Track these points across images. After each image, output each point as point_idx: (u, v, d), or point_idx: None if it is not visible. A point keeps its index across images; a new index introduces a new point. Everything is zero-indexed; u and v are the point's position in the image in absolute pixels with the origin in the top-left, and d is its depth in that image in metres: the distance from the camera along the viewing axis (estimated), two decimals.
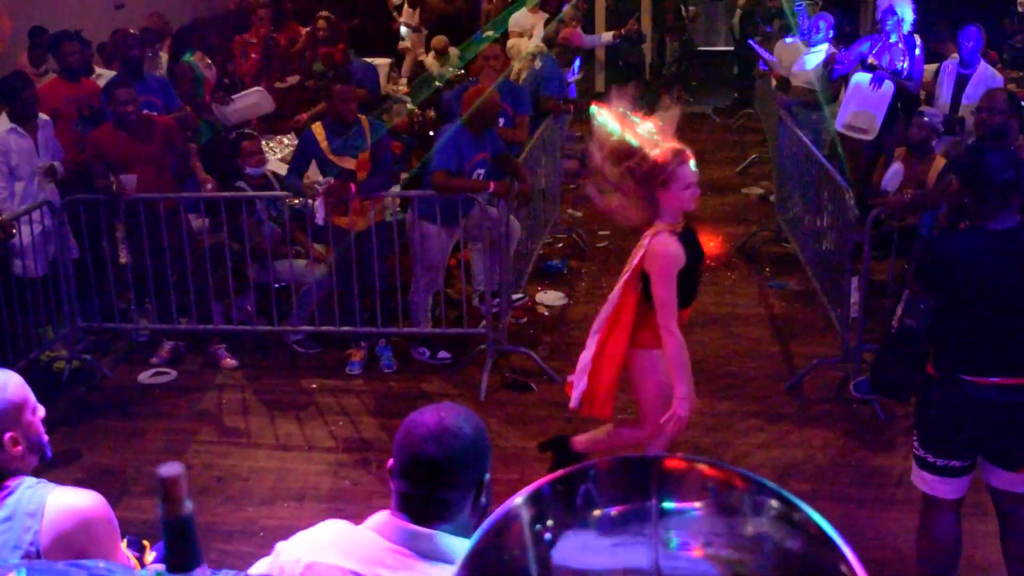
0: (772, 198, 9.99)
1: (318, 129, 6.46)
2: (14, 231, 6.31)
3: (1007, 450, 3.96)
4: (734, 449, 5.67)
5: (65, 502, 2.44)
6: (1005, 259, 3.81)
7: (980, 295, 3.85)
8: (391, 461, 2.18)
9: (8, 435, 2.47)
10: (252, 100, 8.76)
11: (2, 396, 2.49)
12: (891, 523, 4.96)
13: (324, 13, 9.91)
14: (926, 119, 6.99)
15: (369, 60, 9.99)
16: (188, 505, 0.88)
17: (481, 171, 6.67)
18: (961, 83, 7.73)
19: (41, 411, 2.63)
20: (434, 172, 6.49)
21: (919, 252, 4.43)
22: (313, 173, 6.57)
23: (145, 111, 6.77)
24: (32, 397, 2.59)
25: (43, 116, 6.86)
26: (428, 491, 2.11)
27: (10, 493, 2.45)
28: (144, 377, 6.76)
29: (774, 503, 1.03)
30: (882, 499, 5.15)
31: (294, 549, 2.18)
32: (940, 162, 6.70)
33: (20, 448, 2.50)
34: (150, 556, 2.82)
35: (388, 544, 2.10)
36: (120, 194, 6.48)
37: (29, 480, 2.50)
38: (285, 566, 2.16)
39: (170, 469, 0.86)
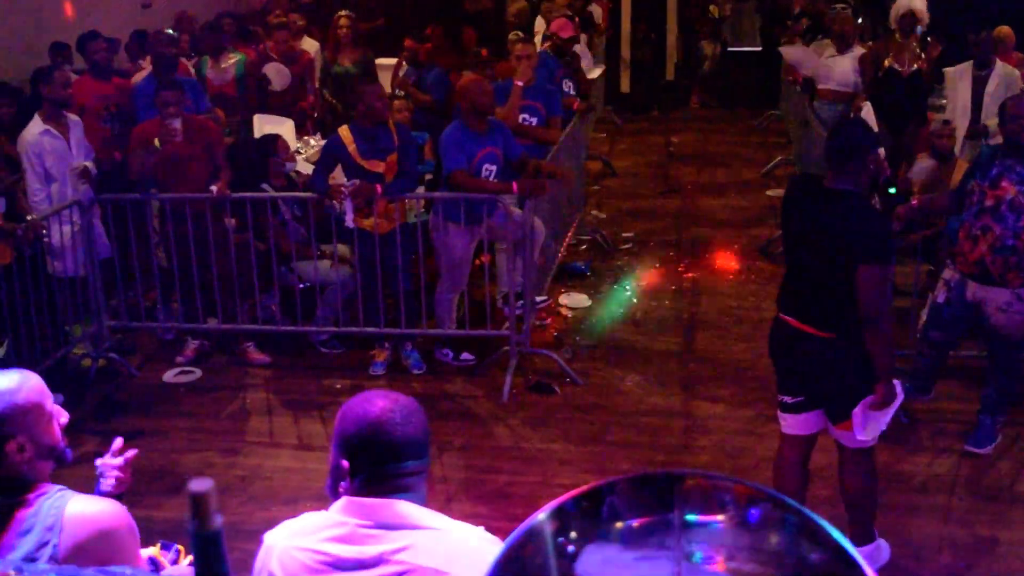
0: None
1: (345, 132, 6.46)
2: (44, 231, 6.38)
3: (822, 401, 4.37)
4: (758, 453, 5.65)
5: (84, 512, 2.42)
6: (818, 212, 4.16)
7: (793, 236, 4.32)
8: (344, 463, 2.20)
9: (12, 443, 2.42)
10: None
11: (11, 400, 2.44)
12: (913, 529, 4.94)
13: (344, 12, 9.91)
14: (948, 125, 6.96)
15: (383, 60, 10.05)
16: (218, 520, 0.90)
17: (491, 167, 6.63)
18: (977, 84, 7.70)
19: (63, 417, 2.59)
20: (451, 176, 6.50)
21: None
22: (338, 176, 6.59)
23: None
24: (48, 402, 2.53)
25: (73, 116, 6.92)
26: (395, 467, 2.18)
27: (27, 505, 2.41)
28: (169, 376, 6.81)
29: (795, 520, 1.04)
30: (904, 505, 5.13)
31: (271, 537, 2.27)
32: (963, 166, 6.66)
33: (27, 455, 2.44)
34: (186, 560, 2.84)
35: (350, 520, 2.16)
36: (168, 141, 6.44)
37: (51, 490, 2.47)
38: (263, 554, 2.26)
39: (200, 484, 0.88)
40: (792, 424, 4.51)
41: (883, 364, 4.16)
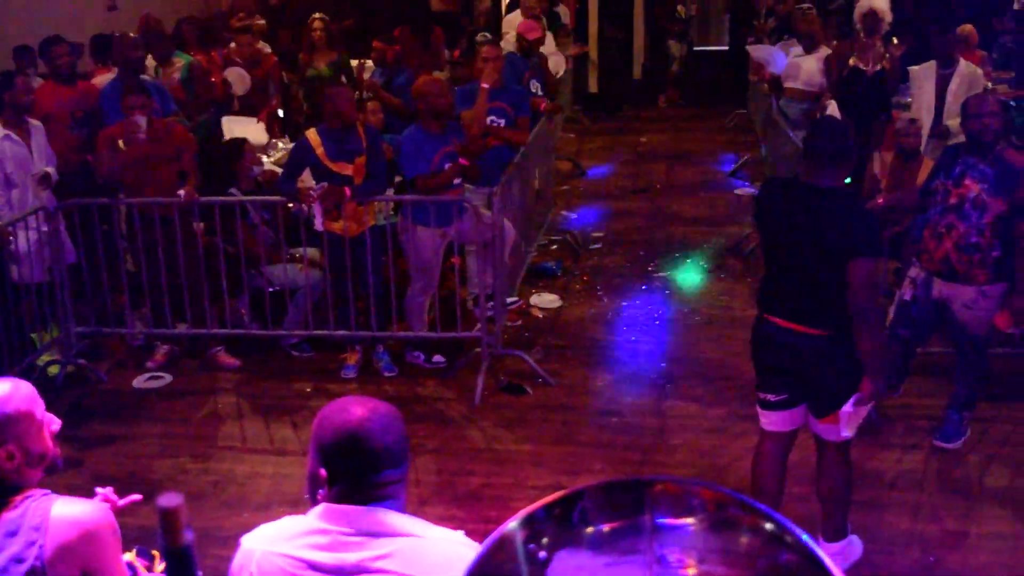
0: None
1: (313, 135, 6.44)
2: (10, 238, 6.32)
3: (809, 397, 4.41)
4: (730, 452, 5.68)
5: (69, 513, 2.45)
6: (806, 211, 4.19)
7: (779, 236, 4.32)
8: (322, 471, 2.18)
9: (1, 451, 2.45)
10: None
11: (2, 409, 2.47)
12: (883, 524, 4.98)
13: (319, 15, 9.89)
14: (914, 124, 7.02)
15: (357, 61, 10.02)
16: (188, 535, 0.90)
17: (449, 166, 6.68)
18: (941, 83, 7.77)
19: (55, 424, 2.62)
20: (413, 183, 6.55)
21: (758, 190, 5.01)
22: (306, 179, 6.57)
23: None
24: (39, 410, 2.57)
25: (34, 122, 6.86)
26: (373, 477, 2.16)
27: (13, 508, 2.45)
28: (139, 382, 6.76)
29: (767, 525, 1.05)
30: (876, 501, 5.17)
31: (249, 541, 2.24)
32: (928, 164, 6.72)
33: (17, 462, 2.48)
34: (160, 567, 2.84)
35: (331, 528, 2.14)
36: (133, 137, 6.38)
37: (35, 492, 2.50)
38: (241, 557, 2.23)
39: (169, 500, 0.88)
40: (775, 421, 4.53)
41: (874, 358, 4.21)
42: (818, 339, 4.23)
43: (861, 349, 4.17)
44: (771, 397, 4.49)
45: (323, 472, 2.18)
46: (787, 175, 8.45)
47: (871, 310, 4.14)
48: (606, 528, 1.08)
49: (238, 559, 2.22)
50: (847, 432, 4.35)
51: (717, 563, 1.05)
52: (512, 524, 1.05)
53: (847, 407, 4.26)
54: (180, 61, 8.91)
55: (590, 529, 1.08)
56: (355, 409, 2.20)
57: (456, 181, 6.72)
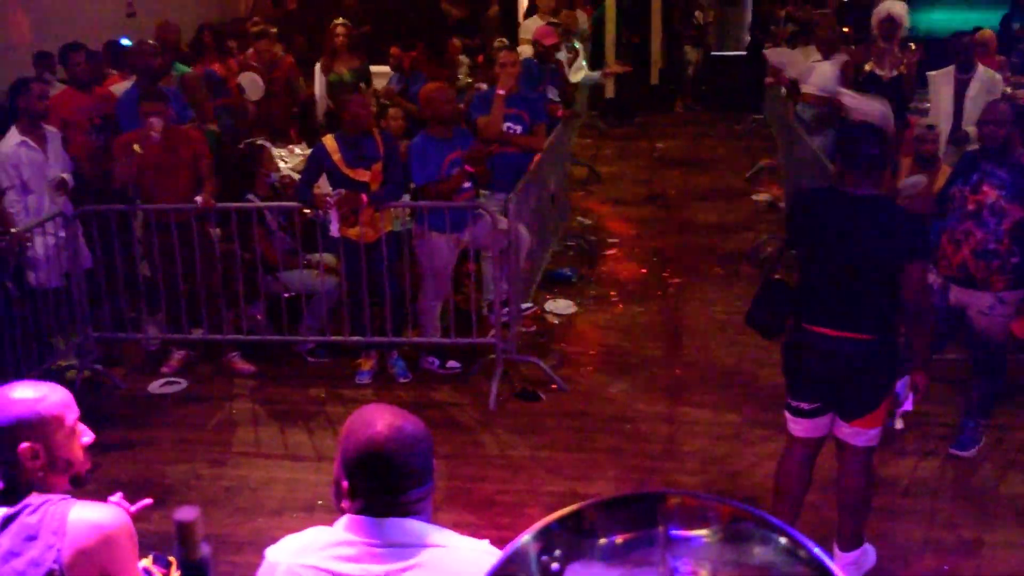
0: (781, 205, 9.99)
1: (330, 141, 6.47)
2: (29, 244, 6.35)
3: (841, 401, 4.42)
4: (744, 459, 5.66)
5: (87, 518, 2.45)
6: (852, 220, 4.22)
7: (824, 247, 4.31)
8: (345, 483, 2.17)
9: (25, 445, 2.46)
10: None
11: (33, 407, 2.48)
12: (899, 532, 4.96)
13: (341, 20, 9.93)
14: (933, 130, 6.99)
15: (375, 68, 10.06)
16: (204, 548, 0.90)
17: (456, 171, 6.69)
18: (960, 88, 7.74)
19: (87, 436, 2.63)
20: (425, 190, 6.57)
21: (791, 201, 5.00)
22: (323, 185, 6.59)
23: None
24: (71, 417, 2.58)
25: (50, 128, 6.89)
26: (395, 497, 2.15)
27: (33, 511, 2.45)
28: (155, 387, 6.78)
29: (780, 539, 1.05)
30: (890, 509, 5.15)
31: (274, 553, 2.22)
32: (947, 171, 6.69)
33: (40, 462, 2.49)
34: (175, 574, 2.85)
35: (357, 539, 2.13)
36: (148, 137, 6.39)
37: (53, 497, 2.50)
38: (265, 570, 2.20)
39: (186, 513, 0.88)
40: (808, 428, 4.53)
41: (928, 353, 4.38)
42: (868, 343, 4.25)
43: (916, 346, 4.31)
44: (805, 405, 4.48)
45: (345, 484, 2.18)
46: (807, 181, 8.44)
47: (926, 307, 4.28)
48: (619, 540, 1.08)
49: (262, 572, 2.20)
50: (900, 424, 4.63)
51: (730, 575, 1.05)
52: (525, 537, 1.06)
53: (907, 404, 4.42)
54: (176, 73, 8.93)
55: (603, 541, 1.08)
56: (380, 425, 2.16)
57: (466, 185, 6.73)
